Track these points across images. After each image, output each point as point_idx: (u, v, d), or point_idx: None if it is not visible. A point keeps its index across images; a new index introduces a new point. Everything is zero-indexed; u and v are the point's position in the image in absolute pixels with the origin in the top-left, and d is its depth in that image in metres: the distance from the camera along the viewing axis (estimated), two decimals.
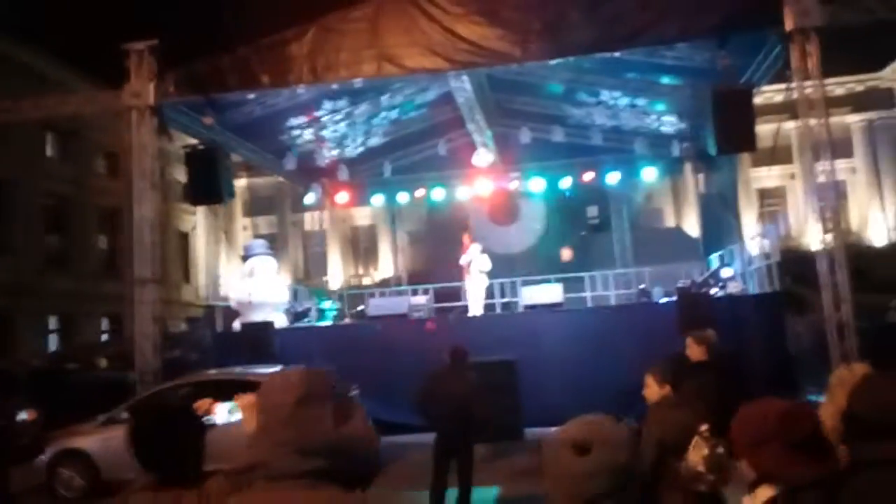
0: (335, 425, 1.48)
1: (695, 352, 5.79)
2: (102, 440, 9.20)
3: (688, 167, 19.67)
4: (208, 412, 2.62)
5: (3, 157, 20.89)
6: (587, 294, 16.65)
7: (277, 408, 1.48)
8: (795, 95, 10.39)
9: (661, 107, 15.77)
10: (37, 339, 22.14)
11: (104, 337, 24.90)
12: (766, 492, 1.79)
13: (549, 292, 13.66)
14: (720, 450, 4.04)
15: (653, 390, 4.32)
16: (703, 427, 3.90)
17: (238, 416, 2.32)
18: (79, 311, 24.09)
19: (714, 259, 15.97)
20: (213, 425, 6.15)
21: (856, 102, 28.55)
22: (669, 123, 16.34)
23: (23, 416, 4.71)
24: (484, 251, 15.27)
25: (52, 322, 23.84)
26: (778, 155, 24.43)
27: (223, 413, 5.92)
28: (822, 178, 10.37)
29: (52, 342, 23.56)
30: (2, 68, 20.23)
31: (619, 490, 1.54)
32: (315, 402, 1.48)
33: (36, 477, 9.12)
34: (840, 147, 27.05)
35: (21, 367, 15.29)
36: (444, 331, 11.54)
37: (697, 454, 4.00)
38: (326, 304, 16.66)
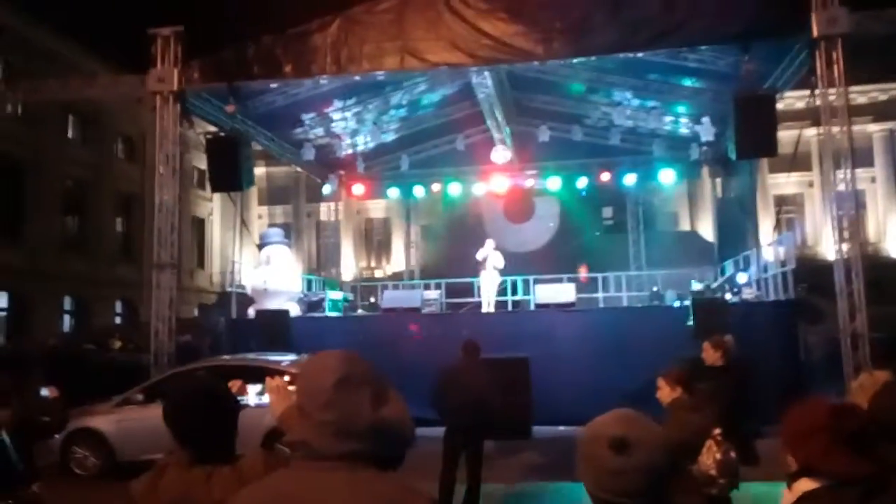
0: (374, 408, 1.51)
1: (711, 356, 5.81)
2: (117, 421, 9.34)
3: (706, 171, 19.59)
4: (240, 393, 2.69)
5: (26, 139, 21.11)
6: (600, 294, 16.67)
7: (317, 390, 1.51)
8: (818, 102, 10.36)
9: (681, 109, 15.73)
10: (52, 320, 22.40)
11: (118, 320, 25.14)
12: (806, 484, 1.82)
13: (561, 292, 13.69)
14: (732, 454, 4.08)
15: (665, 393, 4.36)
16: (717, 431, 3.94)
17: (266, 398, 2.38)
18: (94, 294, 24.34)
19: (729, 264, 15.93)
20: (246, 405, 6.26)
21: (877, 111, 28.26)
22: (689, 126, 16.28)
23: (45, 392, 4.81)
24: (498, 248, 15.31)
25: (68, 304, 24.10)
26: (797, 162, 24.25)
27: (253, 395, 5.99)
28: (841, 187, 10.33)
29: (67, 323, 23.82)
30: (27, 51, 20.43)
31: (652, 489, 1.58)
32: (354, 385, 1.51)
33: (50, 455, 9.26)
34: (860, 156, 26.86)
35: (37, 346, 15.48)
36: (457, 326, 11.60)
37: (710, 457, 4.05)
38: (336, 295, 16.76)
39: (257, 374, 6.95)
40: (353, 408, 1.49)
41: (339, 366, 1.54)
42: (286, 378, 2.56)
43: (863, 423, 1.79)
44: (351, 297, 18.55)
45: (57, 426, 4.63)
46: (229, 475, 2.07)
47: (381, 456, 1.51)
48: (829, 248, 10.44)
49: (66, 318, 24.02)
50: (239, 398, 2.49)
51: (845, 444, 1.74)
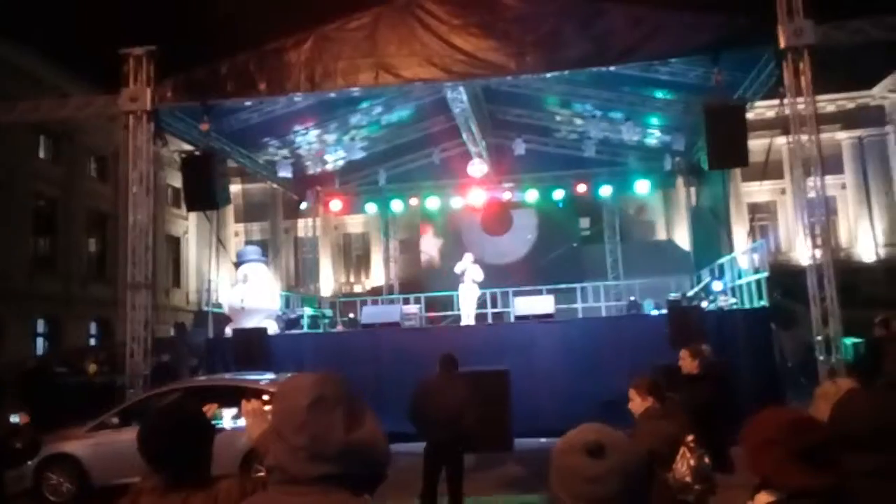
0: (347, 430, 1.51)
1: (688, 364, 5.89)
2: (92, 445, 9.19)
3: (680, 181, 19.84)
4: (214, 416, 2.69)
5: None
6: (578, 305, 16.77)
7: (291, 412, 1.51)
8: (787, 112, 10.58)
9: (654, 121, 15.96)
10: (24, 342, 22.01)
11: (92, 341, 24.78)
12: (765, 497, 1.85)
13: (540, 303, 13.74)
14: (706, 460, 4.13)
15: (636, 403, 4.41)
16: (689, 438, 3.99)
17: (241, 422, 2.39)
18: (67, 314, 23.98)
19: (705, 272, 16.12)
20: (222, 429, 6.21)
21: (846, 119, 28.89)
22: (662, 137, 16.52)
23: (15, 419, 4.74)
24: (477, 261, 15.36)
25: (40, 325, 23.71)
26: (769, 170, 24.67)
27: (228, 419, 5.96)
28: (811, 194, 10.54)
29: (40, 345, 23.43)
30: None
31: (629, 493, 1.61)
32: (327, 406, 1.51)
33: (22, 482, 9.08)
34: (830, 163, 27.32)
35: (11, 369, 15.21)
36: (436, 340, 11.60)
37: (684, 464, 4.09)
38: (311, 311, 16.68)
39: (234, 394, 6.90)
40: (326, 430, 1.49)
41: (313, 387, 1.53)
42: (263, 398, 2.57)
43: (818, 436, 1.80)
44: (330, 312, 18.47)
45: (28, 452, 4.57)
46: (204, 500, 2.08)
47: (356, 479, 1.51)
48: (802, 254, 10.61)
49: (39, 339, 23.63)
50: (214, 421, 2.49)
51: (800, 458, 1.74)
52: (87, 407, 11.39)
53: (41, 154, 24.06)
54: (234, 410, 5.52)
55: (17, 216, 22.15)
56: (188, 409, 2.35)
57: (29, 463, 8.91)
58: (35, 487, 9.22)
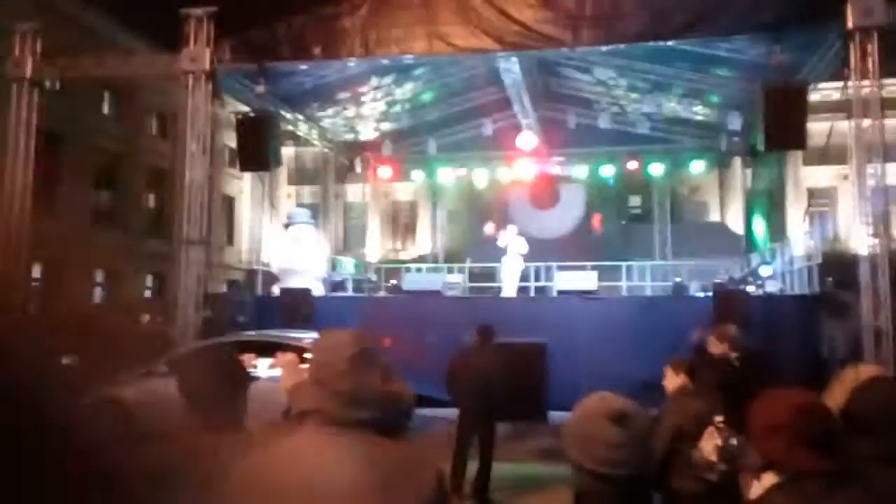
0: (383, 381, 1.67)
1: (716, 348, 5.88)
2: (140, 391, 9.65)
3: (736, 161, 19.38)
4: (251, 365, 2.84)
5: (62, 113, 21.58)
6: (623, 283, 16.64)
7: (334, 362, 1.66)
8: (851, 95, 10.21)
9: (711, 99, 15.58)
10: (84, 292, 22.96)
11: (148, 293, 25.69)
12: (771, 478, 1.89)
13: (583, 279, 13.72)
14: (733, 441, 4.15)
15: (671, 380, 4.45)
16: (718, 418, 4.01)
17: (271, 373, 2.53)
18: (124, 267, 24.89)
19: (755, 257, 15.80)
20: (257, 378, 6.50)
21: None
22: (719, 116, 16.12)
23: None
24: (522, 234, 15.35)
25: (99, 276, 24.67)
26: (831, 154, 23.79)
27: (264, 368, 6.19)
28: (872, 182, 10.20)
29: (98, 296, 24.41)
30: (66, 28, 20.83)
31: (641, 462, 1.70)
32: (366, 361, 1.66)
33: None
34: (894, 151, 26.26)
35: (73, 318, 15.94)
36: (476, 310, 11.72)
37: (710, 444, 4.12)
38: (352, 274, 16.91)
39: (277, 349, 7.15)
40: (366, 380, 1.63)
41: (353, 342, 1.68)
42: (298, 354, 2.71)
43: (826, 422, 1.81)
44: (375, 277, 18.76)
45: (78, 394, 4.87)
46: (237, 442, 2.22)
47: (388, 425, 1.65)
48: (859, 243, 10.32)
49: (98, 290, 24.61)
50: (250, 371, 2.64)
51: (807, 442, 1.77)
52: (139, 356, 11.90)
53: (105, 110, 24.80)
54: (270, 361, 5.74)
55: (80, 171, 22.97)
56: (225, 358, 2.50)
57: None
58: None
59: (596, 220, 17.37)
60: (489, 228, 15.19)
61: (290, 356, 2.48)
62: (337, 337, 1.73)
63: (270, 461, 1.64)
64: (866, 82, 10.06)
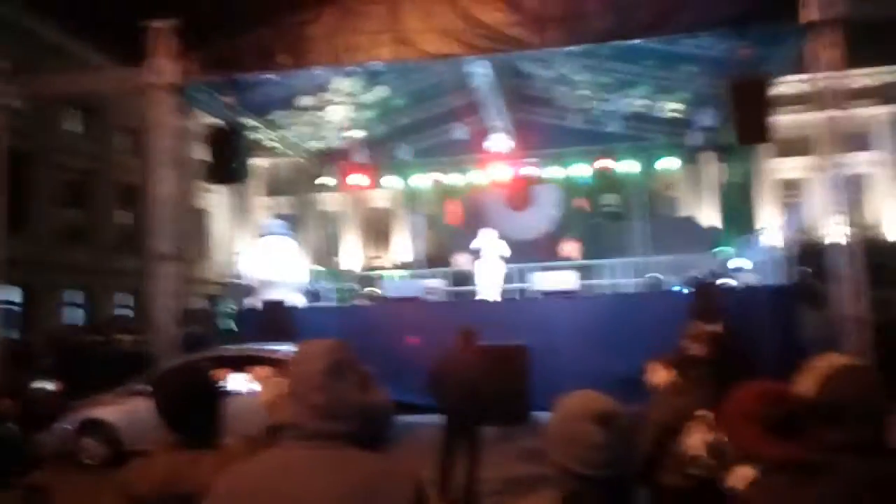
0: (359, 393, 1.64)
1: (695, 349, 5.89)
2: (124, 410, 9.51)
3: (707, 156, 19.56)
4: (224, 381, 2.80)
5: (27, 131, 21.23)
6: (603, 282, 16.70)
7: (309, 375, 1.63)
8: (816, 86, 10.35)
9: (679, 95, 15.73)
10: (57, 312, 22.60)
11: (124, 311, 25.34)
12: (746, 471, 1.89)
13: (563, 279, 13.76)
14: (720, 435, 4.16)
15: (659, 375, 4.44)
16: (702, 412, 4.01)
17: (252, 386, 2.49)
18: (98, 285, 24.53)
19: (731, 249, 15.96)
20: (234, 393, 6.44)
21: (885, 94, 28.09)
22: (689, 112, 16.29)
23: (50, 387, 4.94)
24: (500, 237, 15.35)
25: (73, 296, 24.29)
26: (800, 146, 24.15)
27: (236, 383, 6.13)
28: (838, 171, 10.35)
29: (72, 315, 24.02)
30: (30, 45, 20.52)
31: (627, 461, 1.68)
32: (342, 371, 1.63)
33: (58, 445, 9.44)
34: (864, 140, 26.72)
35: (47, 338, 15.69)
36: (457, 314, 11.70)
37: (698, 439, 4.12)
38: (331, 284, 16.85)
39: (257, 363, 7.08)
40: (342, 392, 1.61)
41: (328, 353, 1.65)
42: (275, 368, 2.66)
43: (786, 408, 1.82)
44: (355, 286, 18.68)
45: (53, 418, 4.79)
46: (214, 458, 2.18)
47: (365, 437, 1.63)
48: (830, 232, 10.46)
49: (71, 309, 24.23)
50: (223, 386, 2.59)
51: (770, 429, 1.78)
52: (119, 375, 11.74)
53: (72, 127, 24.46)
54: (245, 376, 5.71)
55: (49, 188, 22.60)
56: (197, 373, 2.46)
57: (66, 426, 9.28)
58: (71, 450, 9.59)
59: (581, 201, 17.43)
60: (476, 243, 15.19)
61: (266, 370, 2.44)
62: (312, 348, 1.69)
63: (244, 476, 1.60)
64: (828, 73, 10.21)
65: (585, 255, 17.35)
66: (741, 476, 1.92)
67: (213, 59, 11.82)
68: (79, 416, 9.57)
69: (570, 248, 15.07)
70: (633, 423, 1.75)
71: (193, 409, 2.28)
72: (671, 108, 16.41)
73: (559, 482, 1.73)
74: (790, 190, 28.44)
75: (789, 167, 27.99)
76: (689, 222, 23.76)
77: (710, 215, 23.96)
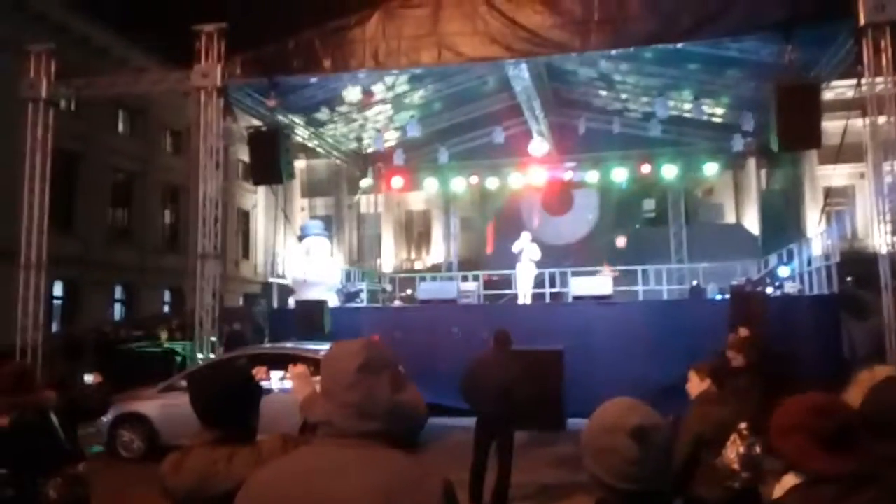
0: (393, 391, 1.63)
1: (736, 360, 5.82)
2: (161, 406, 9.69)
3: (751, 162, 19.26)
4: (263, 378, 2.83)
5: (77, 132, 21.86)
6: (639, 288, 16.51)
7: (341, 374, 1.63)
8: (866, 92, 10.07)
9: (723, 99, 15.48)
10: (102, 309, 23.18)
11: (165, 308, 25.88)
12: (791, 479, 1.86)
13: (599, 284, 13.65)
14: (757, 449, 4.06)
15: (694, 384, 4.37)
16: (743, 425, 3.94)
17: (289, 385, 2.51)
18: (142, 283, 25.10)
19: (773, 258, 15.63)
20: (269, 391, 6.55)
21: None
22: (732, 116, 16.01)
23: (89, 378, 5.06)
24: (535, 240, 15.30)
25: (118, 293, 24.89)
26: (847, 153, 23.50)
27: (276, 381, 6.19)
28: (888, 179, 10.05)
29: (115, 311, 24.62)
30: (80, 48, 21.13)
31: (662, 475, 1.66)
32: (374, 370, 1.63)
33: (97, 437, 9.67)
34: None
35: (91, 334, 16.10)
36: (492, 317, 11.68)
37: (733, 451, 4.04)
38: (366, 285, 16.94)
39: (295, 361, 7.17)
40: (374, 391, 1.61)
41: (361, 352, 1.65)
42: (310, 366, 2.68)
43: (839, 421, 1.79)
44: (389, 287, 18.78)
45: (99, 411, 4.89)
46: (249, 454, 2.21)
47: (397, 436, 1.63)
48: (877, 241, 10.16)
49: (116, 306, 24.83)
50: (262, 383, 2.62)
51: (821, 442, 1.75)
52: (158, 371, 12.00)
53: (119, 128, 25.09)
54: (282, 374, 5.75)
55: (96, 189, 23.21)
56: (236, 370, 2.49)
57: (104, 420, 9.50)
58: (109, 443, 9.81)
59: (621, 240, 17.31)
60: (517, 246, 15.19)
61: (300, 368, 2.46)
62: (345, 347, 1.70)
63: (277, 474, 1.62)
64: (880, 79, 9.93)
65: (624, 261, 17.18)
66: (786, 485, 1.88)
67: (258, 61, 12.03)
68: (117, 409, 9.79)
69: (607, 273, 15.04)
70: (669, 436, 1.72)
71: (230, 405, 2.30)
72: (714, 112, 16.15)
73: (593, 491, 1.71)
74: (835, 197, 27.71)
75: (834, 174, 27.29)
76: (730, 229, 23.35)
77: (751, 222, 23.47)
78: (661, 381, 9.26)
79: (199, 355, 11.70)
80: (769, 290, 13.36)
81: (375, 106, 15.74)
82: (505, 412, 6.91)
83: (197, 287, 12.08)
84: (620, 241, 17.08)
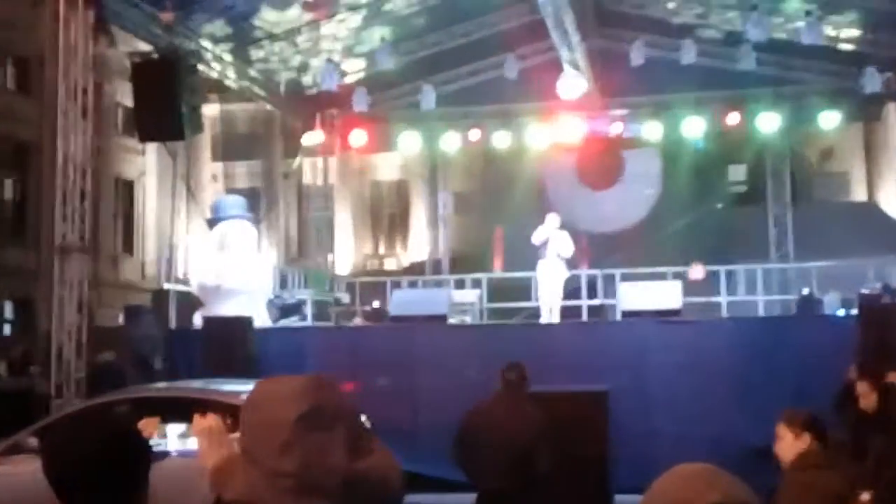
0: (351, 456, 1.63)
1: (869, 400, 5.86)
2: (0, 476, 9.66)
3: (891, 110, 19.30)
4: (153, 435, 2.83)
5: None
6: (722, 299, 16.60)
7: (272, 429, 1.62)
8: None
9: (851, 15, 15.56)
10: None
11: (5, 328, 25.76)
12: None
13: (661, 293, 13.68)
14: None
15: (786, 444, 4.43)
16: (864, 497, 3.99)
17: (193, 443, 2.52)
18: None
19: None
20: (164, 454, 6.52)
21: None
22: (863, 41, 16.09)
23: None
24: (565, 227, 15.31)
25: None
26: None
27: (174, 440, 6.17)
28: None
29: None
30: None
31: None
32: (323, 423, 1.63)
33: None
34: None
35: None
36: (500, 344, 11.70)
37: None
38: (312, 295, 16.95)
39: (200, 409, 7.16)
40: (322, 454, 1.60)
41: (303, 395, 1.64)
42: (225, 417, 2.69)
43: None
44: (347, 298, 18.77)
45: None
46: None
47: None
48: None
49: None
50: (152, 443, 2.62)
51: None
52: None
53: None
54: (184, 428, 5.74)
55: None
56: (111, 424, 2.48)
57: None
58: None
59: (697, 270, 17.10)
60: (539, 235, 15.14)
61: (210, 420, 2.45)
62: (279, 389, 1.70)
63: None
64: None
65: (699, 259, 17.26)
66: None
67: None
68: None
69: (697, 271, 15.08)
70: None
71: (102, 476, 2.29)
72: (837, 34, 16.19)
73: None
74: None
75: None
76: (859, 211, 23.49)
77: (890, 200, 23.64)
78: (751, 439, 9.32)
79: (58, 400, 11.65)
80: None
81: (327, 21, 15.69)
82: (519, 487, 6.94)
83: (54, 296, 12.04)
84: (697, 272, 16.92)
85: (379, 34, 16.74)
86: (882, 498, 3.92)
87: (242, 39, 15.32)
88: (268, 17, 14.82)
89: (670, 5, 16.64)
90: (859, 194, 27.19)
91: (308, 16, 15.24)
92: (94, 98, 12.57)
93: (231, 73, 16.22)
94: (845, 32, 16.16)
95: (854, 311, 13.18)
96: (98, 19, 12.31)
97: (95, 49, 12.56)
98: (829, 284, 16.41)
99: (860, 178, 27.70)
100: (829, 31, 16.10)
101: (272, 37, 15.57)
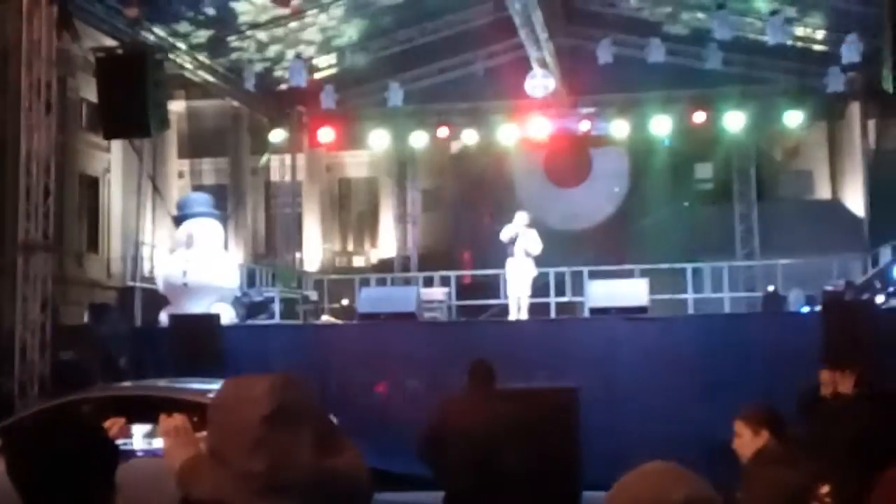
0: (318, 454, 1.63)
1: (831, 390, 5.91)
2: None
3: (854, 109, 19.47)
4: (119, 436, 2.80)
5: None
6: (688, 296, 16.70)
7: (240, 428, 1.63)
8: None
9: (816, 16, 15.67)
10: None
11: None
12: None
13: (629, 290, 13.76)
14: None
15: (745, 440, 4.46)
16: (824, 490, 4.03)
17: (159, 443, 2.49)
18: None
19: (886, 251, 15.92)
20: (130, 454, 6.47)
21: None
22: (829, 42, 16.22)
23: None
24: (534, 225, 15.33)
25: None
26: None
27: (140, 439, 6.12)
28: None
29: None
30: None
31: None
32: (291, 421, 1.63)
33: None
34: None
35: None
36: (469, 341, 11.72)
37: None
38: (279, 292, 16.90)
39: (165, 408, 7.11)
40: (290, 453, 1.61)
41: (271, 394, 1.64)
42: (191, 416, 2.66)
43: None
44: (315, 296, 18.72)
45: None
46: None
47: None
48: None
49: None
50: (118, 443, 2.59)
51: None
52: None
53: None
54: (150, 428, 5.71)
55: None
56: (76, 424, 2.45)
57: None
58: None
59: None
60: (507, 232, 15.01)
61: (176, 420, 2.43)
62: (247, 388, 1.69)
63: None
64: None
65: (668, 256, 17.34)
66: None
67: None
68: None
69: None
70: None
71: (66, 476, 2.27)
72: (802, 34, 16.31)
73: None
74: None
75: None
76: (823, 209, 23.70)
77: (854, 198, 23.87)
78: (717, 436, 9.36)
79: (21, 399, 11.55)
80: (879, 298, 13.60)
81: (295, 18, 15.62)
82: (486, 485, 6.94)
83: (18, 294, 11.94)
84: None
85: (348, 31, 16.69)
86: (840, 489, 3.94)
87: (210, 35, 15.22)
88: (236, 11, 14.73)
89: (639, 3, 16.68)
90: (823, 192, 27.42)
91: (276, 11, 15.16)
92: (59, 94, 12.44)
93: (198, 69, 16.11)
94: (810, 32, 16.28)
95: (818, 308, 13.32)
96: (62, 14, 12.19)
97: (59, 44, 12.44)
98: (793, 281, 16.54)
99: (824, 176, 27.93)
100: (795, 30, 16.21)
101: (240, 32, 15.49)
